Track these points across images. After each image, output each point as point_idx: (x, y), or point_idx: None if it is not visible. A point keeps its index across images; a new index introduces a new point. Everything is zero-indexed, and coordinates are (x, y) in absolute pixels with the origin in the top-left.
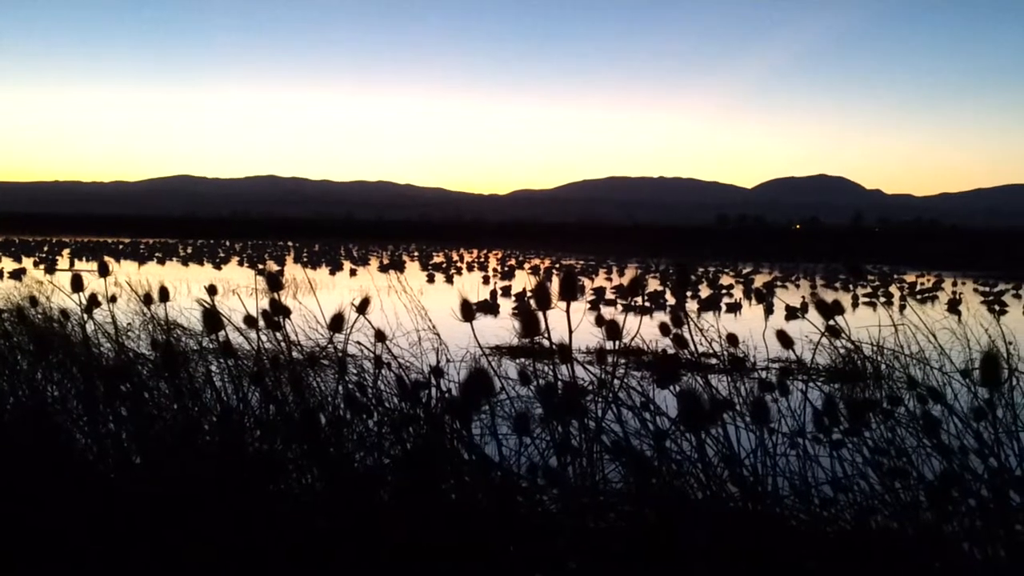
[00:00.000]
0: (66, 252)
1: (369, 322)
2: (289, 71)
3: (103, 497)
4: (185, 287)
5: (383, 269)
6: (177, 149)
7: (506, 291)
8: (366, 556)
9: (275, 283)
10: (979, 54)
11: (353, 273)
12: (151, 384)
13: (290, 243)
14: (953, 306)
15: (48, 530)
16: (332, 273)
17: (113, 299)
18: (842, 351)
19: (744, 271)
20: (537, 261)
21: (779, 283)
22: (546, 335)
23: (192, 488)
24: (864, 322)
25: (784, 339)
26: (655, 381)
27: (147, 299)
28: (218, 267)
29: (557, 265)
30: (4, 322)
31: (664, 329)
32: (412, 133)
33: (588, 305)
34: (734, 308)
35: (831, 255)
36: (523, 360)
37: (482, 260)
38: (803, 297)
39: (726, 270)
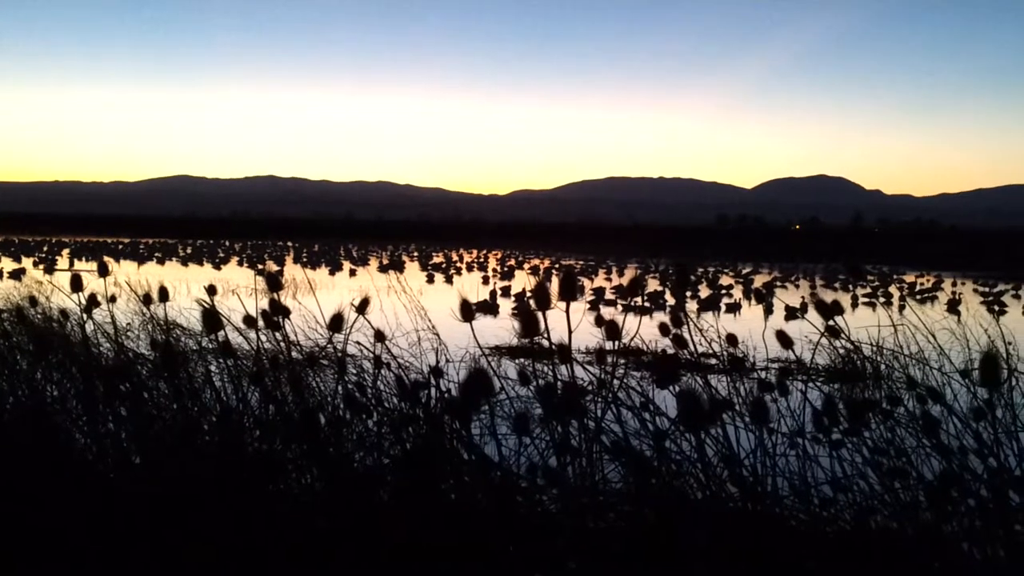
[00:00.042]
0: (66, 252)
1: (369, 322)
2: (289, 71)
3: (103, 497)
4: (185, 287)
5: (382, 269)
6: (177, 149)
7: (506, 291)
8: (366, 556)
9: (274, 283)
10: (979, 54)
11: (353, 273)
12: (151, 384)
13: (290, 243)
14: (953, 306)
15: (48, 530)
16: (332, 273)
17: (113, 299)
18: (842, 351)
19: (744, 271)
20: (537, 261)
21: (779, 283)
22: (546, 335)
23: (192, 488)
24: (864, 322)
25: (784, 339)
26: (655, 381)
27: (146, 299)
28: (218, 267)
29: (557, 265)
30: (4, 322)
31: (664, 329)
32: (412, 133)
33: (588, 305)
34: (734, 308)
35: (831, 255)
36: (523, 360)
37: (482, 260)
38: (803, 297)
39: (726, 270)
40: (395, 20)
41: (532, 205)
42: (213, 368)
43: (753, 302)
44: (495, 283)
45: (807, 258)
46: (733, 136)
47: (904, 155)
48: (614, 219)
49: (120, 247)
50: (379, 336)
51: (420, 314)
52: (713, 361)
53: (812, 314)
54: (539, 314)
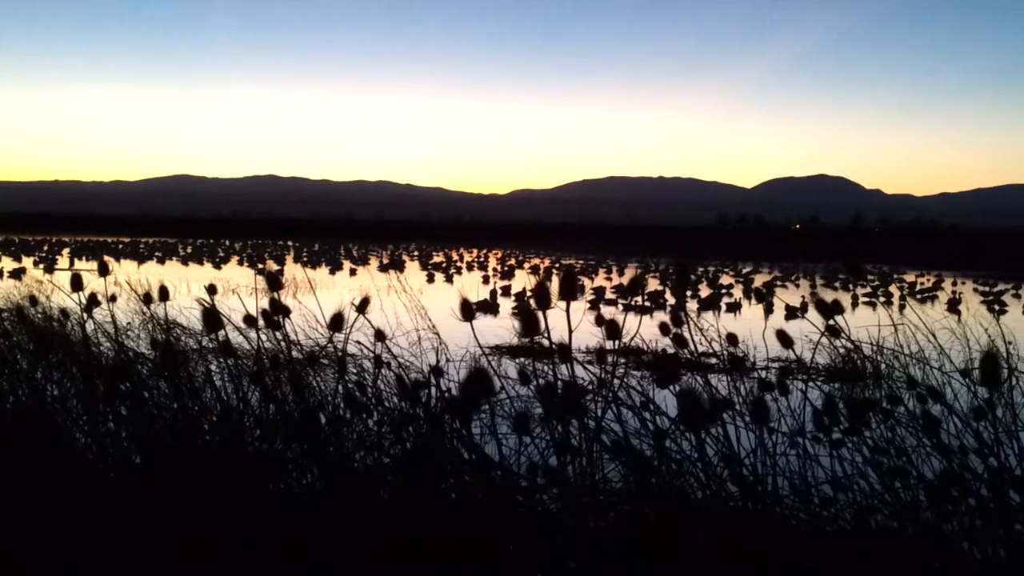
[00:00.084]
0: (66, 251)
1: (369, 322)
2: (289, 71)
3: (103, 497)
4: (185, 286)
5: (383, 269)
6: (177, 149)
7: (506, 291)
8: (366, 556)
9: (275, 282)
10: (979, 54)
11: (353, 273)
12: (151, 383)
13: (290, 243)
14: (953, 306)
15: (48, 530)
16: (332, 273)
17: (113, 298)
18: (842, 351)
19: (744, 271)
20: (537, 261)
21: (779, 283)
22: (546, 335)
23: (192, 488)
24: (864, 322)
25: (784, 339)
26: (655, 381)
27: (147, 298)
28: (218, 267)
29: (557, 265)
30: (4, 321)
31: (664, 329)
32: (412, 133)
33: (588, 305)
34: (734, 308)
35: (831, 255)
36: (523, 360)
37: (482, 260)
38: (803, 297)
39: (726, 270)
40: (395, 20)
41: (532, 205)
42: (213, 367)
43: (753, 301)
44: (495, 282)
45: (807, 258)
46: (733, 136)
47: (904, 155)
48: (614, 219)
49: (120, 246)
50: (379, 335)
51: (420, 313)
52: (713, 360)
53: (812, 313)
54: (539, 313)
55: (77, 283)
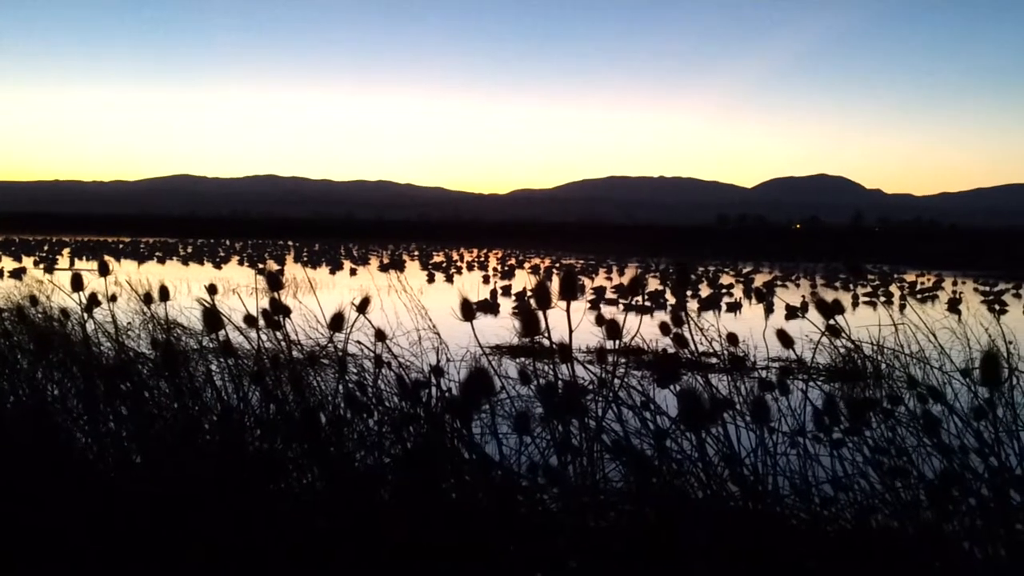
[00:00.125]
0: (66, 251)
1: (369, 321)
2: (289, 71)
3: (103, 497)
4: (185, 286)
5: (383, 268)
6: (177, 149)
7: (506, 290)
8: (366, 556)
9: (275, 282)
10: (979, 54)
11: (353, 272)
12: (151, 383)
13: (290, 243)
14: (953, 305)
15: (48, 529)
16: (332, 272)
17: (113, 298)
18: (842, 350)
19: (744, 270)
20: (537, 260)
21: (779, 282)
22: (546, 334)
23: (192, 488)
24: (864, 321)
25: (784, 338)
26: (655, 380)
27: (147, 298)
28: (218, 266)
29: (557, 264)
30: (4, 321)
31: (664, 328)
32: (412, 133)
33: (588, 304)
34: (734, 307)
35: (831, 255)
36: (523, 359)
37: (482, 259)
38: (803, 296)
39: (726, 269)
40: (395, 20)
41: (532, 205)
42: (214, 367)
43: (753, 301)
44: (495, 282)
45: (807, 257)
46: (733, 136)
47: (904, 155)
48: (614, 219)
49: (121, 246)
50: (380, 335)
51: (421, 313)
52: (714, 360)
53: (813, 313)
54: (540, 313)
55: (77, 283)
